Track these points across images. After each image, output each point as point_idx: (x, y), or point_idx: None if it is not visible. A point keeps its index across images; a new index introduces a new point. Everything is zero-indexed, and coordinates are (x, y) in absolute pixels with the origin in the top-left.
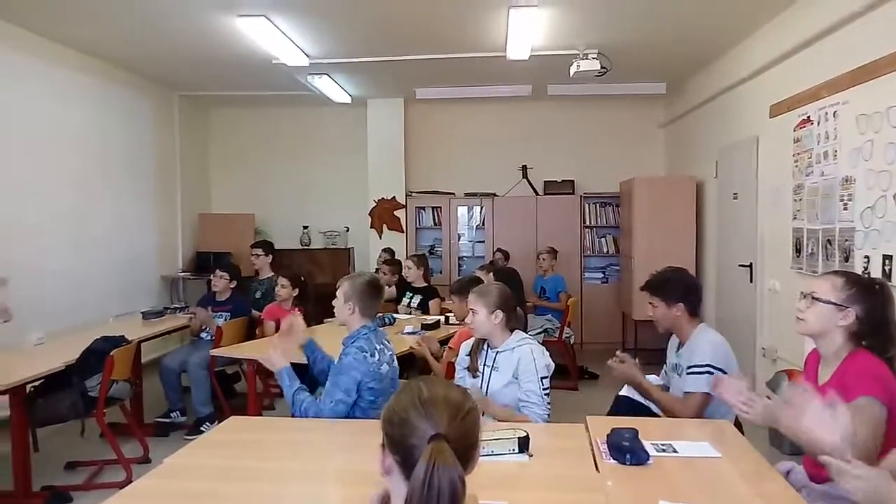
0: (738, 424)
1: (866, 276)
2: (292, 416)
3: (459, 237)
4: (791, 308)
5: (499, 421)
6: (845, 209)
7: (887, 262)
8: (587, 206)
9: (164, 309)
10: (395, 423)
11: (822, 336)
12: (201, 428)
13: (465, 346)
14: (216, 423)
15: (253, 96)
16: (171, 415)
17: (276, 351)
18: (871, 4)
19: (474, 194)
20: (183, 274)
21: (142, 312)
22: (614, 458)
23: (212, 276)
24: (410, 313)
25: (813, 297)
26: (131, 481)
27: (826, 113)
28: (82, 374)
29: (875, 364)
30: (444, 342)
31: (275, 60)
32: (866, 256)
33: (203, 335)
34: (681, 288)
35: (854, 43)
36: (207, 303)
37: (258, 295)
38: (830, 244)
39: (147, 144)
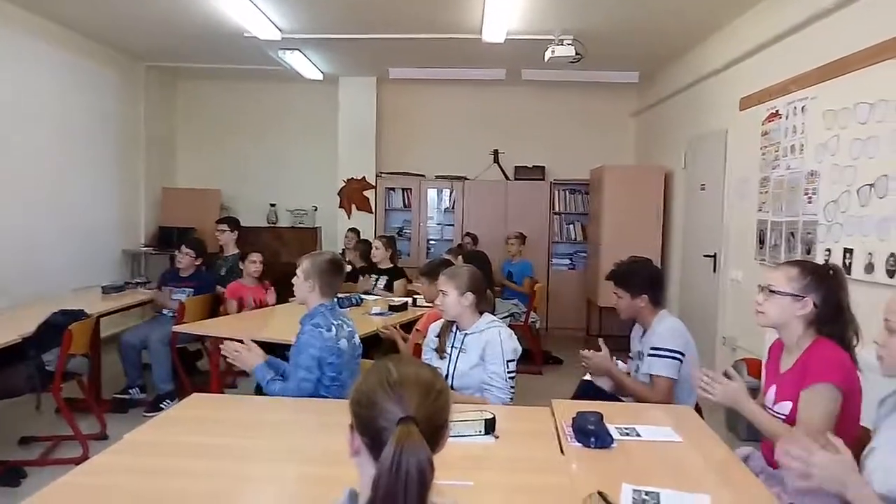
0: (698, 410)
1: (821, 263)
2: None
3: (429, 220)
4: (752, 298)
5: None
6: (809, 203)
7: (848, 255)
8: (557, 192)
9: (124, 283)
10: (364, 405)
11: (782, 327)
12: (161, 405)
13: (434, 328)
14: (177, 400)
15: (222, 69)
16: (131, 391)
17: (249, 350)
18: (840, 3)
19: (445, 177)
20: (145, 248)
21: (102, 287)
22: (579, 441)
23: (177, 252)
24: (376, 294)
25: (770, 290)
26: (88, 458)
27: (794, 107)
28: (39, 348)
29: (836, 353)
30: (411, 324)
31: (246, 33)
32: (828, 249)
33: (165, 311)
34: (645, 280)
35: (824, 39)
36: (170, 278)
37: (223, 272)
38: (793, 237)
39: (111, 115)
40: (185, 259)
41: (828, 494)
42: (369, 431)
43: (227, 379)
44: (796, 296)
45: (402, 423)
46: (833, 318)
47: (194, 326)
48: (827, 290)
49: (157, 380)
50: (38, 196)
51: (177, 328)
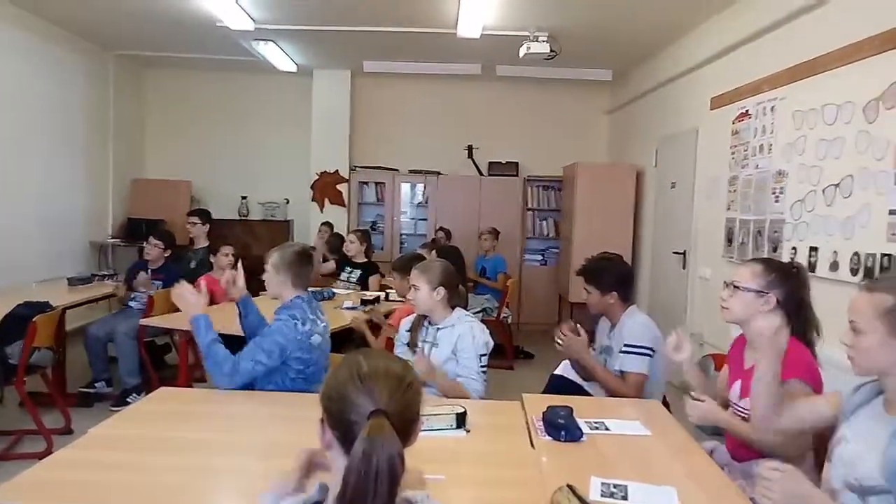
0: (666, 404)
1: (786, 261)
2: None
3: (402, 214)
4: (720, 295)
5: (442, 394)
6: (777, 202)
7: (813, 253)
8: (530, 188)
9: (91, 275)
10: (334, 399)
11: (746, 323)
12: (128, 399)
13: (406, 322)
14: (144, 394)
15: (194, 59)
16: (96, 385)
17: (196, 294)
18: (810, 5)
19: (419, 172)
20: (113, 240)
21: (67, 278)
22: (549, 435)
23: (145, 244)
24: (349, 288)
25: (735, 286)
26: (52, 452)
27: (764, 107)
28: (2, 340)
29: (800, 349)
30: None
31: (218, 23)
32: (794, 248)
33: (132, 303)
34: (615, 277)
35: (793, 41)
36: (139, 270)
37: (192, 265)
38: (760, 235)
39: (78, 105)
40: (154, 251)
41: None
42: (340, 425)
43: (195, 373)
44: (760, 292)
45: (372, 417)
46: (795, 315)
47: (162, 319)
48: (790, 287)
49: (124, 373)
50: (7, 190)
51: (144, 321)
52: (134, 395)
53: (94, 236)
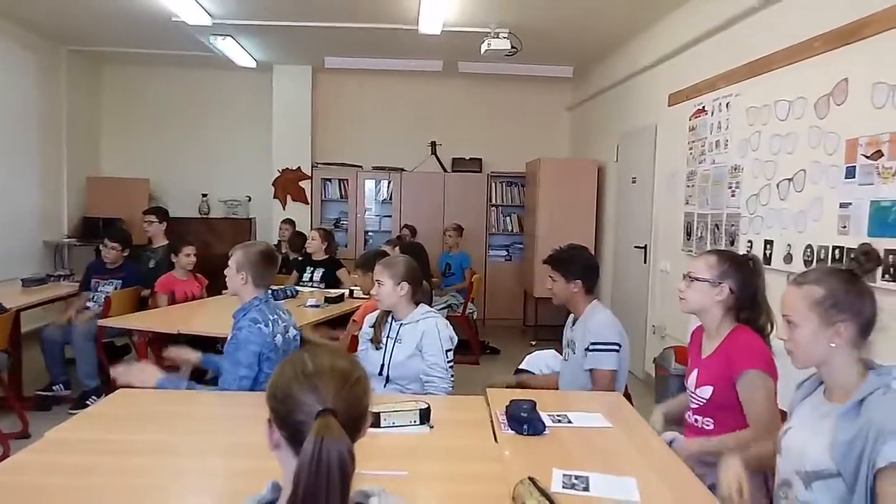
0: (627, 396)
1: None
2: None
3: (366, 211)
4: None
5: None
6: (733, 196)
7: (768, 246)
8: (494, 184)
9: (46, 276)
10: (280, 399)
11: (702, 312)
12: (87, 402)
13: (370, 318)
14: (103, 396)
15: (151, 55)
16: (54, 388)
17: (141, 373)
18: (762, 4)
19: (382, 168)
20: (68, 240)
21: (21, 279)
22: (512, 429)
23: (101, 247)
24: (312, 287)
25: (690, 277)
26: (8, 456)
27: (719, 104)
28: None
29: (756, 340)
30: (347, 315)
31: (174, 18)
32: (749, 241)
33: (90, 304)
34: (580, 265)
35: (747, 39)
36: (97, 270)
37: (151, 264)
38: (718, 228)
39: (29, 101)
40: (111, 253)
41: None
42: (288, 425)
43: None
44: (713, 282)
45: (320, 416)
46: (749, 305)
47: (121, 320)
48: (743, 277)
49: (82, 375)
50: None
51: (102, 322)
52: (93, 397)
53: (48, 236)
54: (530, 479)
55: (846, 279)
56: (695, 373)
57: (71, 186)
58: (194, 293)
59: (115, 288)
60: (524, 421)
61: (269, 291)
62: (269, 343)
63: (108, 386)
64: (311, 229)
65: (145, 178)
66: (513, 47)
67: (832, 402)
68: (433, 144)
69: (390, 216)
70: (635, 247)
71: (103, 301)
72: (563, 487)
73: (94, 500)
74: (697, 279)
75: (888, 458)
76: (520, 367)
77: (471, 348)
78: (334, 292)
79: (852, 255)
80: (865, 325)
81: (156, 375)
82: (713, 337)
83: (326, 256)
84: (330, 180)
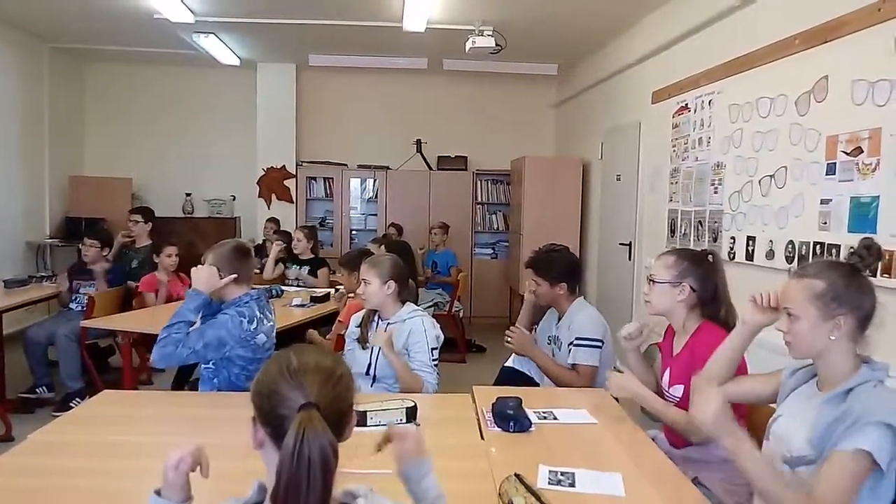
0: None
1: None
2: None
3: (352, 210)
4: None
5: (400, 380)
6: (716, 193)
7: (751, 242)
8: (479, 182)
9: (28, 277)
10: (265, 395)
11: (668, 313)
12: (71, 404)
13: (356, 318)
14: (87, 398)
15: (133, 52)
16: (37, 390)
17: (214, 276)
18: (744, 2)
19: (368, 166)
20: (51, 240)
21: (3, 280)
22: (498, 426)
23: (81, 245)
24: (298, 286)
25: (651, 280)
26: None
27: (702, 101)
28: None
29: (719, 335)
30: (332, 315)
31: (156, 15)
32: (732, 237)
33: (73, 305)
34: (564, 268)
35: (729, 36)
36: (80, 271)
37: (135, 264)
38: (701, 225)
39: (10, 99)
40: (91, 251)
41: (725, 465)
42: (271, 421)
43: (140, 375)
44: (674, 282)
45: (302, 410)
46: (711, 300)
47: (105, 321)
48: (702, 274)
49: (66, 377)
50: None
51: (85, 323)
52: (77, 399)
53: (30, 236)
54: (516, 475)
55: (847, 273)
56: (667, 372)
57: (53, 186)
58: (179, 293)
59: (97, 289)
60: (510, 418)
61: (267, 289)
62: (244, 339)
63: (92, 388)
64: (296, 228)
65: (128, 178)
66: (497, 45)
67: (823, 393)
68: (418, 142)
69: (376, 215)
70: (620, 244)
71: (86, 302)
72: (550, 484)
73: (78, 503)
74: (658, 281)
75: (857, 444)
76: (506, 364)
77: (457, 346)
78: (320, 291)
79: (853, 249)
80: (865, 319)
81: (206, 289)
82: (681, 335)
83: (312, 255)
84: (315, 179)
